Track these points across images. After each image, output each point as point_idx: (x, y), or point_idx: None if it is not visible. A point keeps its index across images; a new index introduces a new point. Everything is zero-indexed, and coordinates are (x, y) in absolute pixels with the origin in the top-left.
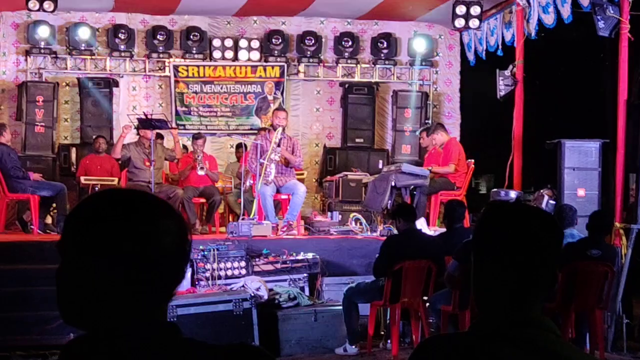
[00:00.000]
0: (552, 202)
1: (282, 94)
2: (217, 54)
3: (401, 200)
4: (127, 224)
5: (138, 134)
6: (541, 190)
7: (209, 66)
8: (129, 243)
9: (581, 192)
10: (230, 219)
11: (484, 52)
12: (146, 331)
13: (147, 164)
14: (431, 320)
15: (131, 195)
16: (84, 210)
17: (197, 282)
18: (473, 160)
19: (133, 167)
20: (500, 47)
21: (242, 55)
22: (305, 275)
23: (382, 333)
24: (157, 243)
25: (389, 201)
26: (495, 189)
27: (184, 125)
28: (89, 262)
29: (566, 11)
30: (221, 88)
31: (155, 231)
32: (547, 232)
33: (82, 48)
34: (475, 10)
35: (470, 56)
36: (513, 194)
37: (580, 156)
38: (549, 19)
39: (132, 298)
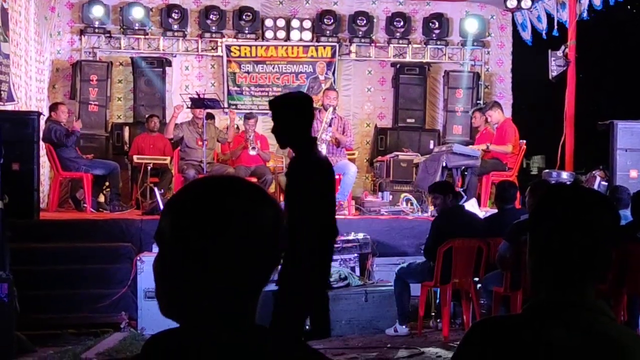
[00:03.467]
0: (604, 183)
1: (333, 74)
2: (269, 34)
3: (452, 181)
4: (226, 212)
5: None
6: (593, 172)
7: (261, 46)
8: (228, 230)
9: (633, 173)
10: (282, 199)
11: (544, 32)
12: (238, 331)
13: (200, 143)
14: (482, 302)
15: (229, 183)
16: (182, 199)
17: None
18: (525, 141)
19: (186, 146)
20: (556, 27)
21: (294, 35)
22: (355, 255)
23: (433, 314)
24: (256, 231)
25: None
26: (546, 170)
27: (235, 105)
28: (187, 251)
29: None
30: (273, 68)
31: (254, 219)
32: (604, 214)
33: (136, 28)
34: None
35: (526, 35)
36: (565, 175)
37: (632, 137)
38: (597, 1)
39: (229, 288)
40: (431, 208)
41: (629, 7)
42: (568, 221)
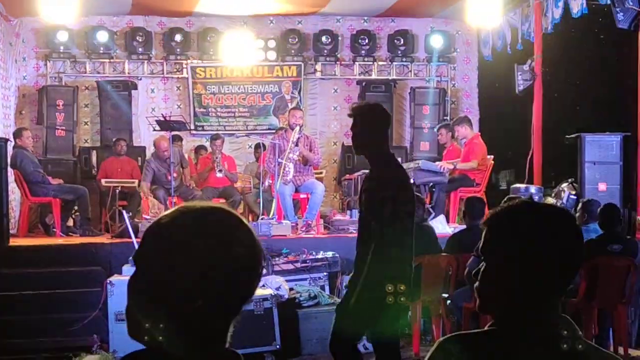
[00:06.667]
0: (573, 196)
1: (299, 93)
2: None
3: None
4: (202, 239)
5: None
6: (562, 185)
7: (226, 67)
8: (202, 257)
9: (602, 186)
10: (250, 219)
11: (509, 47)
12: (203, 354)
13: (169, 177)
14: (452, 319)
15: (209, 211)
16: (162, 225)
17: None
18: (492, 156)
19: (156, 181)
20: (520, 41)
21: (259, 55)
22: (325, 274)
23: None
24: (231, 259)
25: None
26: (515, 185)
27: (202, 126)
28: (161, 274)
29: (576, 6)
30: (239, 88)
31: (230, 248)
32: (560, 228)
33: (101, 51)
34: (492, 5)
35: (487, 52)
36: (533, 190)
37: (600, 150)
38: (557, 13)
39: (199, 313)
40: None
41: (600, 19)
42: (526, 238)
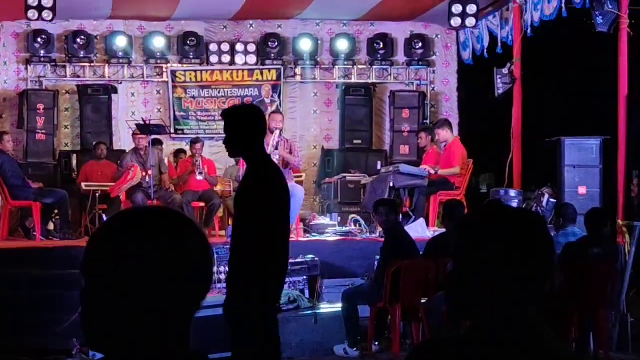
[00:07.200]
0: (552, 200)
1: (279, 97)
2: (214, 59)
3: (400, 202)
4: (150, 244)
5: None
6: (542, 189)
7: (206, 71)
8: (153, 263)
9: (582, 190)
10: (230, 223)
11: (485, 50)
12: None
13: (144, 174)
14: (432, 322)
15: (154, 214)
16: (106, 232)
17: None
18: (472, 160)
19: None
20: (500, 45)
21: (239, 59)
22: (304, 277)
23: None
24: (181, 262)
25: None
26: (495, 188)
27: (182, 130)
28: (111, 283)
29: (548, 9)
30: (219, 92)
31: (178, 251)
32: (530, 232)
33: (81, 56)
34: (472, 8)
35: (466, 55)
36: (513, 193)
37: (580, 153)
38: (537, 16)
39: (157, 320)
40: (379, 229)
41: (580, 23)
42: (496, 243)
